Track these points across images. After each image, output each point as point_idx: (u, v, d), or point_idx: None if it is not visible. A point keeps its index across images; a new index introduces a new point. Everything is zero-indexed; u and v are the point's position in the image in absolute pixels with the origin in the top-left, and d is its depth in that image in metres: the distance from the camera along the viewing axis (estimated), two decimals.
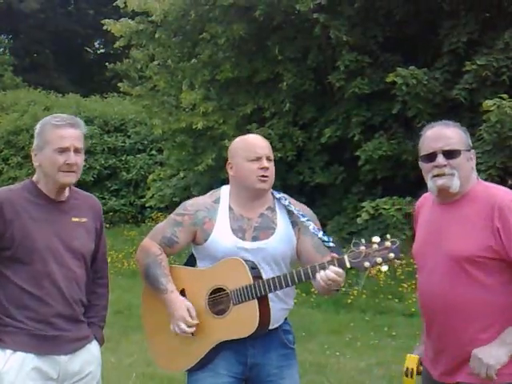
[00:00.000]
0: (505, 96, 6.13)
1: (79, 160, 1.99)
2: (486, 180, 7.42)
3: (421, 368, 2.01)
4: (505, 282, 1.80)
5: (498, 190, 1.89)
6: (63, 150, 1.95)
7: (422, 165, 1.94)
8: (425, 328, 2.00)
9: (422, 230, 2.00)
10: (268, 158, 2.11)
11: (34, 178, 2.04)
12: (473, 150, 1.93)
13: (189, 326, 2.05)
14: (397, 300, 6.16)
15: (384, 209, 6.61)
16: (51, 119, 2.01)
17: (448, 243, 1.86)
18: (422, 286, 1.96)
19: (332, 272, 1.90)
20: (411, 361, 2.01)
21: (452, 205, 1.90)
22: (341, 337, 5.23)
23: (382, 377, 4.12)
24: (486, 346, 1.78)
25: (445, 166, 1.85)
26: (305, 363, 4.24)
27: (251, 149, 2.11)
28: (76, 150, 1.98)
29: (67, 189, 2.04)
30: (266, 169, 2.09)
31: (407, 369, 2.01)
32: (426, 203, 2.04)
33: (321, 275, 1.91)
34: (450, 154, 1.86)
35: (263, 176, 2.08)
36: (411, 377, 2.00)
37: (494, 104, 6.05)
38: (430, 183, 1.90)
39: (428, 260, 1.92)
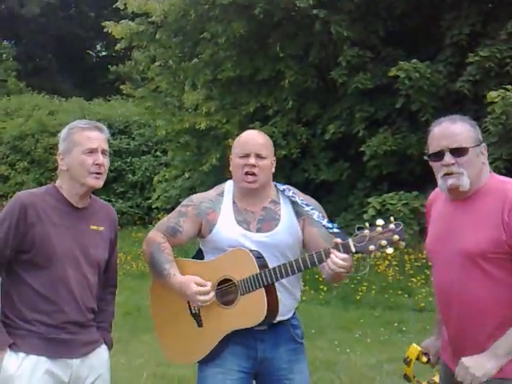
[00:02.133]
0: (509, 87, 6.09)
1: (106, 162, 2.04)
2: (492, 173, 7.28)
3: (424, 359, 2.07)
4: None
5: None
6: (92, 151, 2.00)
7: (430, 163, 1.91)
8: (443, 323, 1.98)
9: (435, 226, 1.98)
10: (258, 156, 2.08)
11: (57, 183, 2.06)
12: (484, 144, 1.87)
13: (207, 293, 2.05)
14: (406, 295, 6.15)
15: (391, 204, 6.59)
16: (78, 123, 2.06)
17: (461, 240, 1.84)
18: (437, 281, 1.95)
19: (338, 258, 1.90)
20: (412, 350, 2.09)
21: (465, 201, 1.87)
22: (350, 333, 5.23)
23: (393, 372, 4.10)
24: (478, 356, 1.77)
25: (453, 164, 1.82)
26: (315, 360, 4.24)
27: (241, 145, 2.12)
28: (103, 152, 2.03)
29: (88, 196, 2.07)
30: (252, 166, 2.07)
31: (407, 357, 2.10)
32: (439, 197, 2.01)
33: (327, 263, 1.91)
34: (458, 152, 1.81)
35: (247, 173, 2.07)
36: (409, 365, 2.08)
37: (499, 95, 6.01)
38: (440, 182, 1.88)
39: (441, 256, 1.91)
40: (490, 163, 7.05)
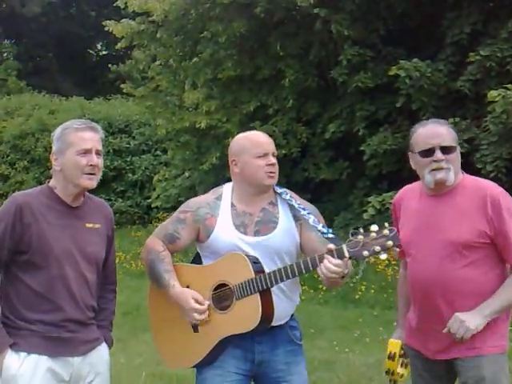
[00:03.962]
0: (510, 86, 6.07)
1: (100, 162, 2.03)
2: (492, 172, 7.36)
3: (402, 351, 2.19)
4: (495, 265, 2.03)
5: (487, 183, 2.10)
6: (85, 152, 1.99)
7: (417, 160, 2.10)
8: (415, 312, 2.14)
9: (412, 220, 2.12)
10: (273, 154, 2.15)
11: (51, 183, 2.06)
12: (458, 147, 2.10)
13: (202, 313, 2.07)
14: None
15: (390, 203, 6.56)
16: (72, 123, 2.06)
17: (445, 230, 2.02)
18: (416, 271, 2.09)
19: (330, 264, 1.90)
20: (394, 345, 2.19)
21: (443, 196, 2.06)
22: (349, 333, 5.23)
23: None
24: (468, 312, 1.98)
25: (442, 160, 2.02)
26: (314, 360, 4.24)
27: (258, 145, 2.14)
28: (97, 152, 2.02)
29: (82, 195, 2.07)
30: (274, 165, 2.13)
31: (390, 353, 2.18)
32: (407, 196, 2.20)
33: (321, 269, 1.92)
34: (447, 150, 2.03)
35: (271, 172, 2.12)
36: (393, 360, 2.18)
37: (499, 94, 5.99)
38: (427, 177, 2.05)
39: (422, 247, 2.06)
40: (491, 162, 7.01)
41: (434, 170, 2.02)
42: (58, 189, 2.03)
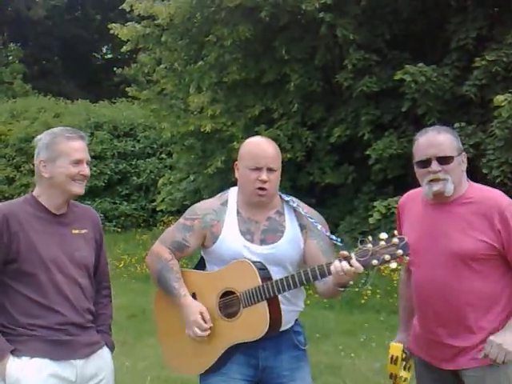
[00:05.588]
0: None
1: (89, 171, 2.09)
2: (498, 177, 7.30)
3: (404, 355, 2.15)
4: (502, 275, 1.98)
5: (494, 193, 2.03)
6: (78, 162, 2.03)
7: (416, 170, 2.06)
8: (419, 320, 2.11)
9: (416, 227, 2.08)
10: (270, 169, 2.05)
11: (35, 192, 2.08)
12: (464, 153, 2.04)
13: (203, 330, 2.05)
14: None
15: (396, 208, 6.56)
16: (62, 132, 2.07)
17: (450, 241, 1.98)
18: (421, 281, 2.06)
19: (344, 265, 1.86)
20: (396, 349, 2.16)
21: (448, 205, 2.02)
22: (355, 337, 5.21)
23: None
24: (500, 333, 1.90)
25: (439, 171, 1.97)
26: (319, 365, 4.22)
27: (253, 157, 2.07)
28: (87, 162, 2.07)
29: (67, 203, 2.10)
30: (264, 182, 2.04)
31: (392, 356, 2.15)
32: (412, 200, 2.16)
33: (335, 264, 1.88)
34: (444, 160, 1.98)
35: (260, 189, 2.05)
36: (395, 363, 2.15)
37: (505, 99, 5.99)
38: (425, 188, 2.02)
39: (426, 257, 2.02)
40: (496, 167, 6.98)
41: (430, 181, 1.98)
42: (42, 198, 2.05)
